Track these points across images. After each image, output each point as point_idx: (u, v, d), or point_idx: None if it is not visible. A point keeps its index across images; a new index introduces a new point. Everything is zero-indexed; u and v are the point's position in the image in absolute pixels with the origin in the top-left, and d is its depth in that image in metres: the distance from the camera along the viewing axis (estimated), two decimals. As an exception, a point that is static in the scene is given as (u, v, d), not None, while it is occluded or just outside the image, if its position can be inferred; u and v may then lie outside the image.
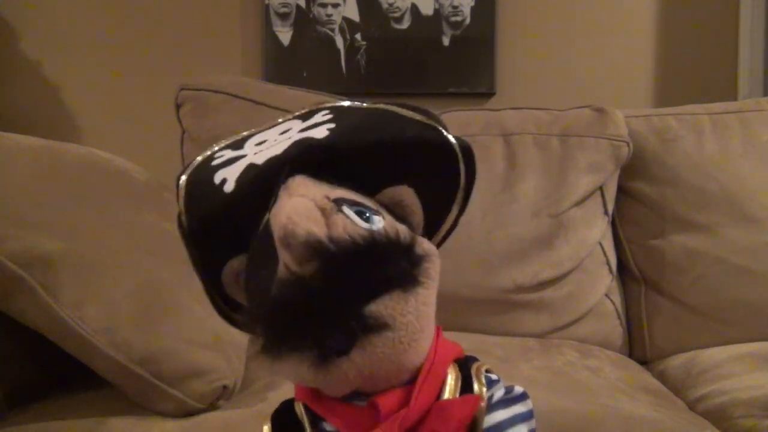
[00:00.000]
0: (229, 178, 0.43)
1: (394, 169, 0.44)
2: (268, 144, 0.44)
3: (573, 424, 0.71)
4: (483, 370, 0.44)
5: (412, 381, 0.40)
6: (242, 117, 1.13)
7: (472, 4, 1.61)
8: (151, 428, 0.66)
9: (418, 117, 0.45)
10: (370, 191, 0.43)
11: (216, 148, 0.47)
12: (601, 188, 1.19)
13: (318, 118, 0.45)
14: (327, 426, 0.43)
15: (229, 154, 0.45)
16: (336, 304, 0.35)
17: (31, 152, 0.76)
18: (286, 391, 0.74)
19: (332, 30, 1.62)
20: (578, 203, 1.16)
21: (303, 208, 0.38)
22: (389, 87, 1.63)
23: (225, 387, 0.71)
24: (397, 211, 0.44)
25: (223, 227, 0.43)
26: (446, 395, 0.41)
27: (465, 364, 0.44)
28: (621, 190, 1.21)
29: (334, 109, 0.46)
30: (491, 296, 1.11)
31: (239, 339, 0.81)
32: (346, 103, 0.47)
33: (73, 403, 0.73)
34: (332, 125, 0.44)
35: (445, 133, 0.45)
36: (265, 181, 0.41)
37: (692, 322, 1.14)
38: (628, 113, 1.24)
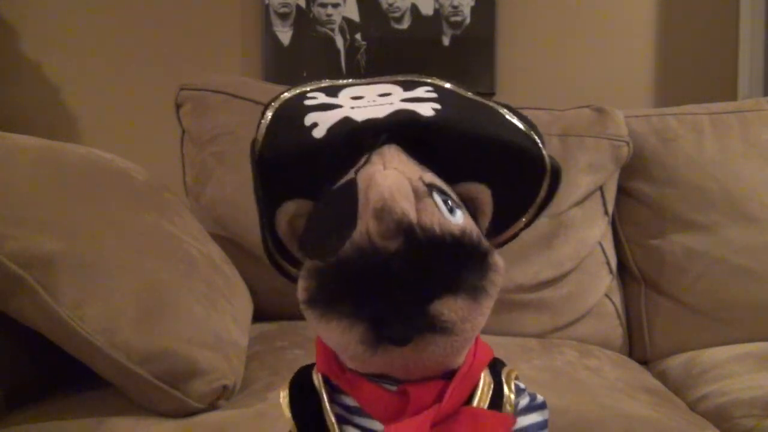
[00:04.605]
0: (320, 123, 0.43)
1: (482, 165, 0.45)
2: (366, 102, 0.45)
3: (573, 424, 0.71)
4: (513, 376, 0.45)
5: (445, 376, 0.41)
6: (242, 117, 1.13)
7: (472, 4, 1.61)
8: (151, 428, 0.66)
9: (520, 124, 0.46)
10: (450, 179, 0.44)
11: (308, 89, 0.47)
12: (601, 188, 1.19)
13: (421, 92, 0.46)
14: (347, 400, 0.43)
15: (323, 98, 0.45)
16: (406, 289, 0.36)
17: (31, 152, 0.76)
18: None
19: (332, 30, 1.62)
20: (578, 203, 1.16)
21: (403, 187, 0.38)
22: (389, 87, 1.62)
23: (225, 387, 0.71)
24: (468, 207, 0.44)
25: (299, 167, 0.44)
26: (476, 399, 0.42)
27: (494, 368, 0.45)
28: (621, 190, 1.21)
29: (438, 89, 0.47)
30: (491, 296, 1.11)
31: (239, 339, 0.81)
32: (449, 86, 0.47)
33: (73, 403, 0.73)
34: (437, 105, 0.44)
35: (541, 147, 0.46)
36: (358, 139, 0.42)
37: (692, 322, 1.14)
38: (628, 113, 1.24)
